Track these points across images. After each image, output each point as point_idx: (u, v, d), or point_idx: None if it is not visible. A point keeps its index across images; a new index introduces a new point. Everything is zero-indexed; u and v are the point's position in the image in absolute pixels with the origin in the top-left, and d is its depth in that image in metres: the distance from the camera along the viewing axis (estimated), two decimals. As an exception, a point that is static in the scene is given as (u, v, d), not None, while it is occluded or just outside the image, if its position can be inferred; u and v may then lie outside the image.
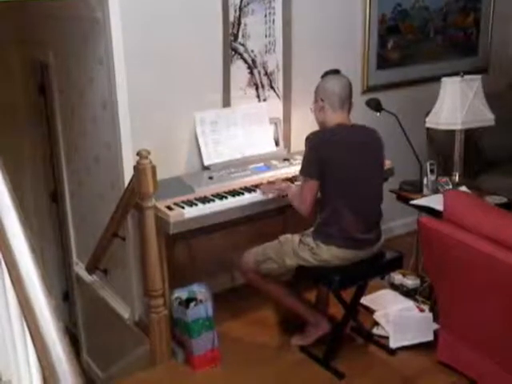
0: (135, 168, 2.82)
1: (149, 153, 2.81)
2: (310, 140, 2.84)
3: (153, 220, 2.86)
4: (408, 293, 3.53)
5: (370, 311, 3.37)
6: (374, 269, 3.03)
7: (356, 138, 2.90)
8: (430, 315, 3.18)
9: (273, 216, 3.32)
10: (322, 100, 2.89)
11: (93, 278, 3.81)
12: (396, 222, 4.16)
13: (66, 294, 4.76)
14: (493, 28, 4.62)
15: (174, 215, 2.84)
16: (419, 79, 4.28)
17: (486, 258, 2.49)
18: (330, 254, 2.83)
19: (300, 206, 2.87)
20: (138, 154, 2.80)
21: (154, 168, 2.80)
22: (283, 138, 3.65)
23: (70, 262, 4.23)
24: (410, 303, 3.39)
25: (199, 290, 3.03)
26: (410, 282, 3.57)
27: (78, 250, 4.12)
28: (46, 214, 4.63)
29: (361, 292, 3.06)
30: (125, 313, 3.47)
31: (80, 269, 4.00)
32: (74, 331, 4.58)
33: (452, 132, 3.62)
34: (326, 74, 2.95)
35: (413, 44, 4.26)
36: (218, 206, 2.97)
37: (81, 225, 4.00)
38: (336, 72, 2.95)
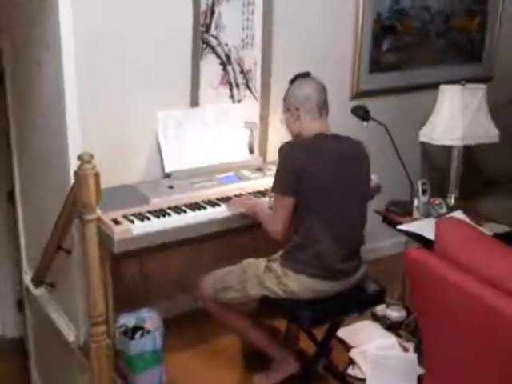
0: (75, 174, 2.41)
1: (92, 157, 2.39)
2: (284, 151, 2.47)
3: (95, 235, 2.44)
4: (391, 326, 3.14)
5: (346, 346, 2.98)
6: (351, 304, 2.63)
7: (338, 151, 2.51)
8: (415, 356, 2.81)
9: (241, 232, 2.92)
10: (297, 108, 2.51)
11: (40, 292, 3.41)
12: (382, 242, 3.78)
13: (20, 302, 4.37)
14: (500, 33, 4.24)
15: (120, 231, 2.44)
16: (416, 85, 3.91)
17: (480, 304, 2.11)
18: (299, 284, 2.43)
19: (272, 228, 2.49)
20: (79, 157, 2.39)
21: (97, 175, 2.39)
22: (259, 145, 3.29)
23: (21, 271, 3.83)
24: (392, 340, 3.01)
25: (149, 316, 2.66)
26: (395, 313, 3.19)
27: (28, 258, 3.71)
28: (1, 215, 4.24)
29: (334, 330, 2.66)
30: (70, 335, 3.06)
31: (29, 279, 3.59)
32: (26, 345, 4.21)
33: (449, 147, 3.24)
34: (296, 78, 2.59)
35: (410, 46, 3.90)
36: (173, 221, 2.58)
37: (31, 230, 3.60)
38: (306, 75, 2.59)
